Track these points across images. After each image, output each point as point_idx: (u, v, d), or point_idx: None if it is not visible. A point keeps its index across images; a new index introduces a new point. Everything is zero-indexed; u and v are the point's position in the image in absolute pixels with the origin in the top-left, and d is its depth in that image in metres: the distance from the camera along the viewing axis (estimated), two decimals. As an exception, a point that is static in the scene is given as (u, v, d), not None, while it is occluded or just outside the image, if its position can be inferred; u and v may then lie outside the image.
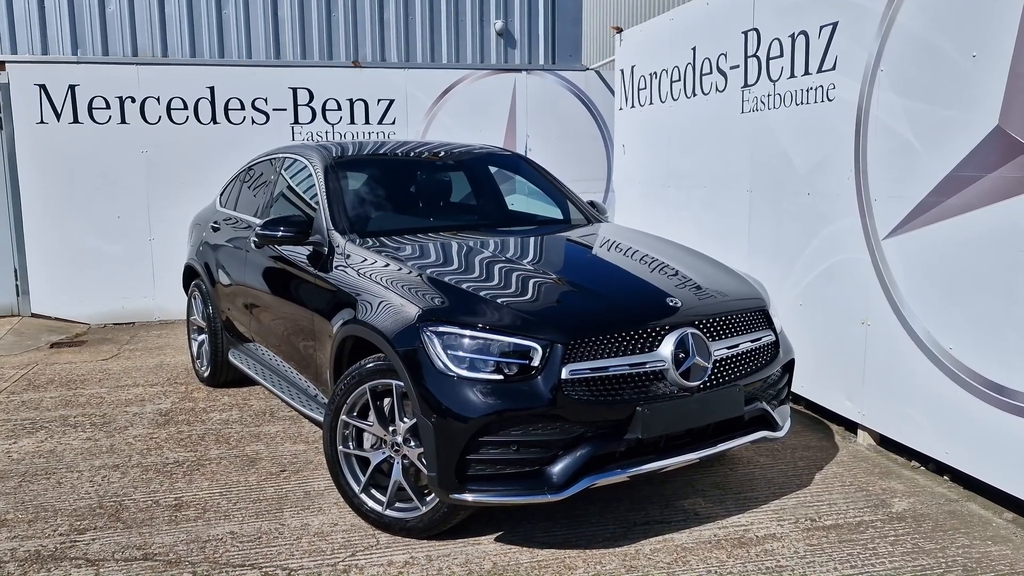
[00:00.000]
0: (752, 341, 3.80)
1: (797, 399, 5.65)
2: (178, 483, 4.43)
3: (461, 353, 3.33)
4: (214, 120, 8.78)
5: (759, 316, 3.92)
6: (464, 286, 3.64)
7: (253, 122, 8.86)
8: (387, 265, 4.00)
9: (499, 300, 3.52)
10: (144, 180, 8.73)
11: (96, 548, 3.67)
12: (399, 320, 3.54)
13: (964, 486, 4.26)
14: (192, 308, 6.49)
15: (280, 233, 4.46)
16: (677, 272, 4.04)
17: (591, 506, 4.01)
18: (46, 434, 5.29)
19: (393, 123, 9.18)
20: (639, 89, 7.72)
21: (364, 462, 3.83)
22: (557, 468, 3.32)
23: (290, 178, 5.25)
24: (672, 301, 3.63)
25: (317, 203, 4.73)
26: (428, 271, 3.84)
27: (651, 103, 7.47)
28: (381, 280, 3.86)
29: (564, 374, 3.29)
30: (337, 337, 4.00)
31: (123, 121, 8.62)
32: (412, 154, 5.40)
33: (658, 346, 3.47)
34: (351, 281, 4.02)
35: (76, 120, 8.52)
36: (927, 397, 4.34)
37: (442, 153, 5.48)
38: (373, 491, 3.80)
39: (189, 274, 6.53)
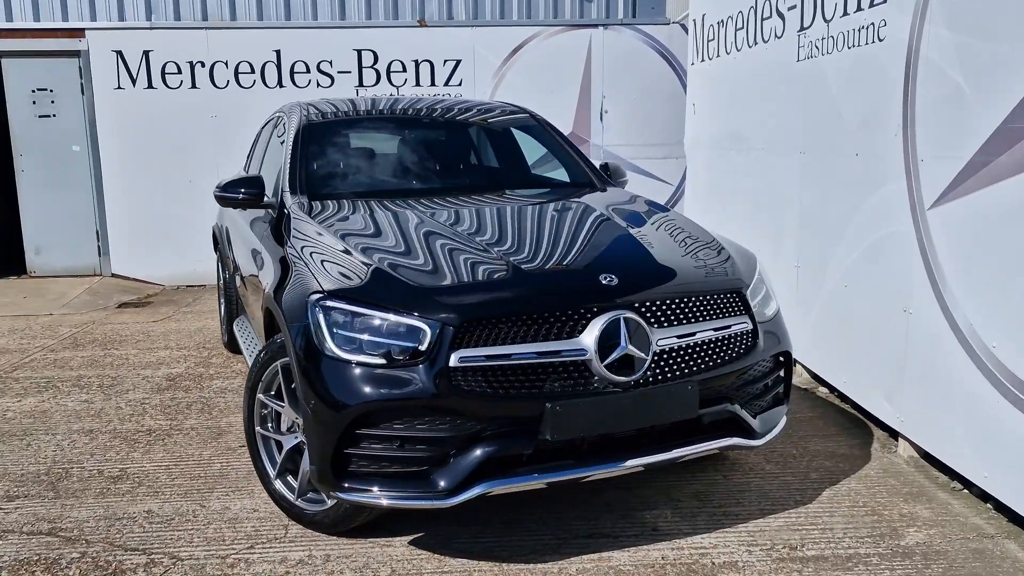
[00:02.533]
0: (716, 330, 3.15)
1: (844, 397, 4.84)
2: (134, 453, 4.29)
3: (350, 333, 2.91)
4: (280, 84, 8.70)
5: (729, 300, 3.25)
6: (379, 259, 3.20)
7: (318, 85, 8.71)
8: (318, 233, 3.61)
9: (407, 276, 3.06)
10: (213, 144, 8.79)
11: (12, 519, 3.55)
12: (297, 293, 3.15)
13: (1008, 518, 3.42)
14: (217, 273, 6.41)
15: (241, 195, 4.18)
16: (637, 246, 3.42)
17: (536, 510, 3.50)
18: (52, 394, 5.33)
19: (460, 84, 8.78)
20: (708, 40, 6.91)
21: (281, 445, 3.49)
22: (445, 471, 2.84)
23: (278, 138, 4.97)
24: (607, 279, 3.03)
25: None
26: (353, 241, 3.42)
27: (718, 55, 6.67)
28: (303, 249, 3.49)
29: (453, 361, 2.80)
30: (263, 309, 3.67)
31: (193, 86, 8.70)
32: (403, 112, 4.98)
33: (580, 332, 2.90)
34: (287, 248, 3.67)
35: (150, 85, 8.67)
36: (967, 406, 3.50)
37: (437, 112, 5.02)
38: (289, 478, 3.46)
39: (214, 238, 6.45)
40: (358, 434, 2.87)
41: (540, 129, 5.11)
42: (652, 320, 3.02)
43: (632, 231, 3.59)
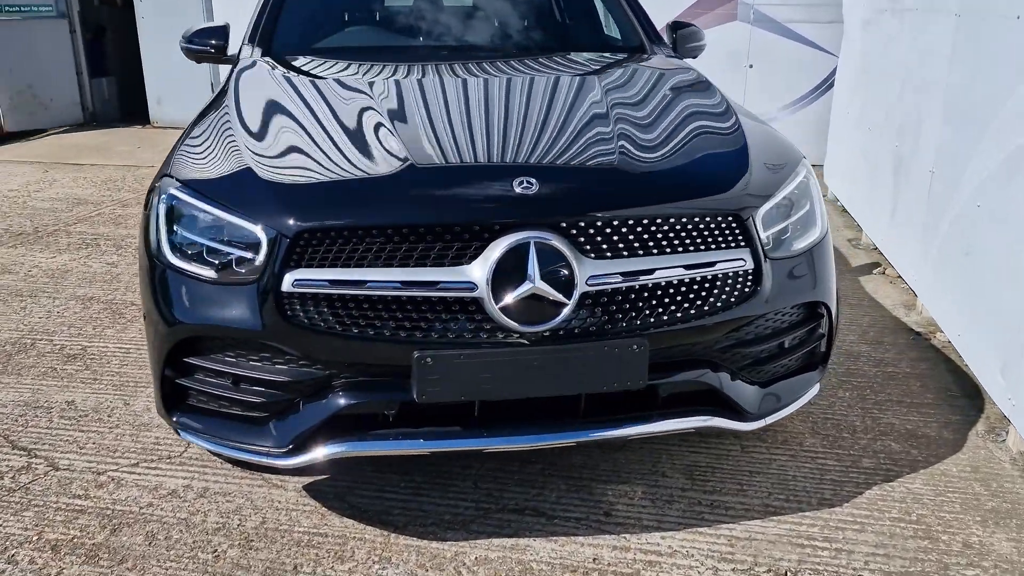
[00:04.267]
0: (689, 267, 2.19)
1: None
2: (109, 330, 3.97)
3: (189, 235, 2.26)
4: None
5: (720, 225, 2.25)
6: (266, 144, 2.46)
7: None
8: (240, 99, 2.92)
9: (275, 168, 2.31)
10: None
11: (-58, 392, 3.33)
12: (160, 173, 2.51)
13: None
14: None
15: (196, 46, 3.55)
16: (600, 141, 2.42)
17: (471, 468, 2.79)
18: (87, 252, 5.17)
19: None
20: None
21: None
22: (285, 423, 2.19)
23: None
24: (524, 185, 2.14)
25: (269, 12, 3.70)
26: (253, 113, 2.69)
27: None
28: (214, 117, 2.82)
29: (286, 284, 2.08)
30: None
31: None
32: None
33: (471, 259, 2.07)
34: (202, 117, 3.02)
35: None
36: (1096, 407, 2.34)
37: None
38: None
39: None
40: (190, 364, 2.26)
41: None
42: (586, 248, 2.12)
43: (612, 118, 2.58)
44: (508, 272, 2.05)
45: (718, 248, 2.23)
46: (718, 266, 2.21)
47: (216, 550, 2.42)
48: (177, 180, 2.34)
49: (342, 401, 2.15)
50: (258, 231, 2.12)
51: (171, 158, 2.51)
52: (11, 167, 7.61)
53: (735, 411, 2.34)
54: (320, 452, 2.17)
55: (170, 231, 2.27)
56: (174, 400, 2.32)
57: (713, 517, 2.56)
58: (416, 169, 2.22)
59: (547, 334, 2.11)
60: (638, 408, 2.27)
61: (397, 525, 2.52)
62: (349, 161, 2.30)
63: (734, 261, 2.23)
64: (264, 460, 2.22)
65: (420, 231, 2.07)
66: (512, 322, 2.07)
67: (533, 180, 2.14)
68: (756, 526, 2.52)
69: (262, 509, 2.59)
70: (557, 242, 2.07)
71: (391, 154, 2.31)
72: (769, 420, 2.40)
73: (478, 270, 2.05)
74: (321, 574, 2.32)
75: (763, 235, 2.29)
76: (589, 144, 2.39)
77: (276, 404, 2.21)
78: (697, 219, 2.20)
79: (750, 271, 2.27)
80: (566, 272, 2.07)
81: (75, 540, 2.46)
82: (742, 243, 2.26)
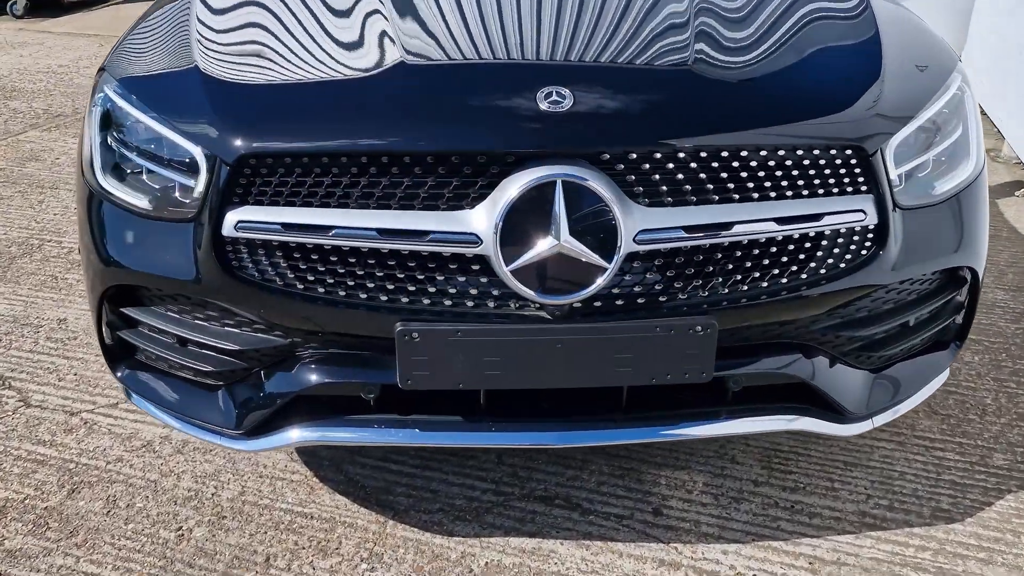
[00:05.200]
0: (784, 220, 1.56)
1: None
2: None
3: (122, 149, 1.74)
4: None
5: (831, 159, 1.59)
6: (210, 30, 1.88)
7: None
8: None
9: (228, 62, 1.75)
10: None
11: (-67, 300, 3.02)
12: (101, 65, 1.98)
13: None
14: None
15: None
16: (673, 44, 1.73)
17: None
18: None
19: None
20: None
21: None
22: (237, 400, 1.72)
23: None
24: (552, 98, 1.53)
25: None
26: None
27: None
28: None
29: (227, 226, 1.55)
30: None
31: None
32: None
33: (474, 201, 1.50)
34: None
35: None
36: None
37: None
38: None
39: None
40: (129, 316, 1.79)
41: None
42: (637, 191, 1.51)
43: (688, 5, 1.86)
44: (525, 222, 1.48)
45: (827, 194, 1.58)
46: (826, 220, 1.57)
47: (181, 527, 2.03)
48: (115, 78, 1.81)
49: (309, 378, 1.67)
50: (196, 152, 1.59)
51: (117, 45, 1.98)
52: (67, 40, 7.24)
53: (831, 411, 1.75)
54: (285, 437, 1.71)
55: (104, 144, 1.76)
56: (120, 352, 1.87)
57: (792, 527, 2.02)
58: (407, 69, 1.62)
59: (577, 307, 1.54)
60: (699, 401, 1.70)
61: (397, 509, 2.07)
62: (321, 57, 1.71)
63: (849, 213, 1.59)
64: (218, 441, 1.76)
65: (405, 160, 1.50)
66: (528, 290, 1.50)
67: (565, 92, 1.52)
68: (848, 544, 1.97)
69: (243, 475, 2.18)
70: (596, 182, 1.47)
71: (378, 47, 1.71)
72: (879, 421, 1.80)
73: (483, 218, 1.48)
74: (297, 570, 1.90)
75: (893, 175, 1.62)
76: (649, 41, 1.72)
77: (232, 374, 1.74)
78: (800, 152, 1.55)
79: (871, 227, 1.62)
80: (607, 224, 1.48)
81: (27, 501, 2.11)
82: (862, 187, 1.60)
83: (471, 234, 1.49)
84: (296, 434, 1.70)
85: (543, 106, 1.50)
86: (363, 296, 1.56)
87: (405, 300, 1.56)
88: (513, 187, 1.46)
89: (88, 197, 1.76)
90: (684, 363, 1.58)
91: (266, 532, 2.01)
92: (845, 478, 2.17)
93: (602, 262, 1.49)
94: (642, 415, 1.69)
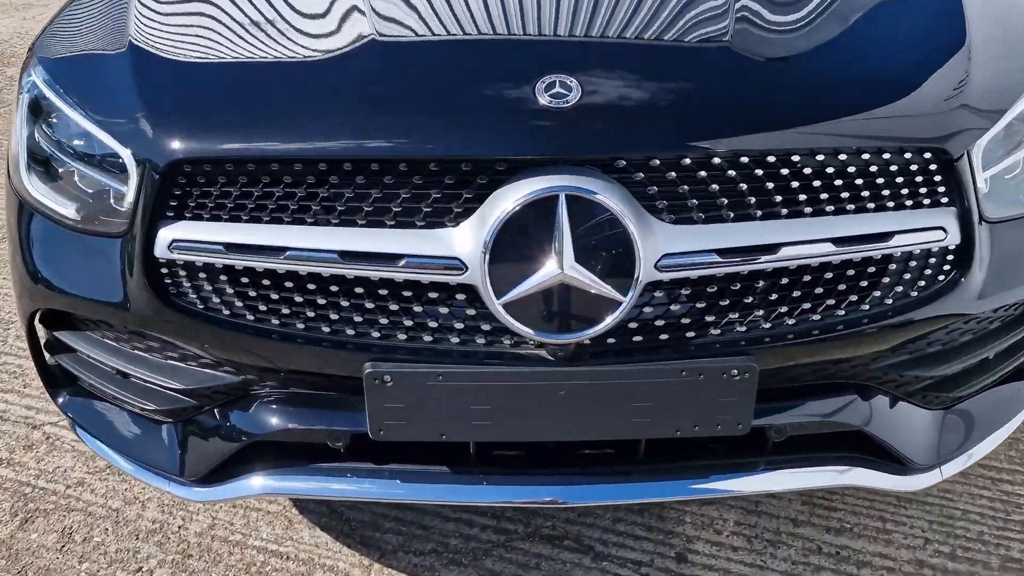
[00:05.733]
0: (844, 241, 1.25)
1: None
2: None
3: (49, 146, 1.47)
4: None
5: (905, 165, 1.27)
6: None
7: None
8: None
9: (169, 43, 1.45)
10: None
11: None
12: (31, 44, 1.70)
13: None
14: None
15: None
16: (712, 23, 1.40)
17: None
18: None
19: None
20: None
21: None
22: (183, 439, 1.46)
23: None
24: (554, 89, 1.22)
25: None
26: None
27: None
28: None
29: (160, 245, 1.28)
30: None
31: None
32: None
33: (457, 218, 1.22)
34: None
35: None
36: None
37: None
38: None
39: None
40: (61, 342, 1.54)
41: None
42: (659, 207, 1.22)
43: None
44: (520, 244, 1.19)
45: (899, 207, 1.27)
46: (896, 240, 1.26)
47: (141, 568, 1.80)
48: (43, 60, 1.53)
49: (268, 422, 1.41)
50: (125, 155, 1.31)
51: (52, 20, 1.70)
52: (72, 1, 6.98)
53: (891, 461, 1.46)
54: (244, 487, 1.45)
55: (31, 139, 1.49)
56: (61, 377, 1.63)
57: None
58: (378, 51, 1.32)
59: (585, 345, 1.25)
60: (732, 450, 1.42)
61: (384, 549, 1.83)
62: (277, 38, 1.41)
63: (926, 231, 1.28)
64: (165, 487, 1.51)
65: (373, 168, 1.21)
66: (524, 327, 1.22)
67: (571, 81, 1.22)
68: (901, 602, 1.69)
69: (214, 505, 1.94)
70: (609, 195, 1.17)
71: (345, 25, 1.40)
72: (949, 471, 1.50)
73: (469, 239, 1.20)
74: (266, 625, 1.67)
75: (980, 182, 1.31)
76: (677, 17, 1.39)
77: (181, 412, 1.48)
78: (866, 156, 1.24)
79: (953, 247, 1.31)
80: (622, 247, 1.19)
81: (-26, 533, 1.89)
82: (943, 199, 1.29)
83: (453, 259, 1.21)
84: (259, 483, 1.44)
85: (544, 100, 1.21)
86: (325, 330, 1.29)
87: (376, 335, 1.29)
88: (505, 202, 1.17)
89: (14, 204, 1.50)
90: (716, 413, 1.30)
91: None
92: (898, 517, 1.88)
93: (615, 294, 1.20)
94: (661, 466, 1.41)
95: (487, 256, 1.18)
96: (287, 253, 1.23)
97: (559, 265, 1.18)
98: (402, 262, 1.22)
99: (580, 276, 1.19)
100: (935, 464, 1.50)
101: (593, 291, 1.20)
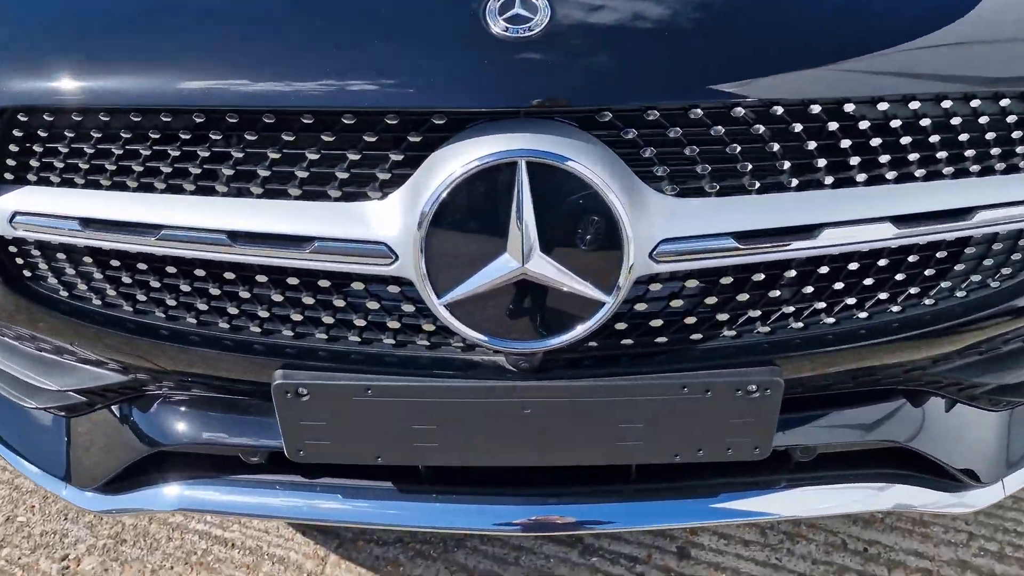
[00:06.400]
0: (905, 220, 0.92)
1: None
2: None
3: None
4: None
5: (995, 122, 0.93)
6: None
7: None
8: None
9: None
10: None
11: None
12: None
13: None
14: None
15: None
16: None
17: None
18: None
19: None
20: None
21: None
22: (73, 439, 1.21)
23: None
24: (514, 10, 0.87)
25: None
26: None
27: None
28: None
29: (2, 222, 0.97)
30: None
31: None
32: None
33: (385, 188, 0.90)
34: None
35: None
36: None
37: None
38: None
39: None
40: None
41: None
42: (660, 172, 0.89)
43: None
44: (467, 224, 0.88)
45: (984, 172, 0.93)
46: (980, 218, 0.93)
47: (68, 556, 1.60)
48: None
49: (172, 429, 1.13)
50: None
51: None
52: None
53: (943, 472, 1.17)
54: (155, 498, 1.20)
55: None
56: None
57: (865, 584, 1.49)
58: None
59: (559, 352, 0.95)
60: (740, 466, 1.13)
61: (343, 538, 1.60)
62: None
63: (1018, 206, 0.94)
64: (63, 494, 1.26)
65: (268, 120, 0.89)
66: (475, 332, 0.92)
67: (536, 0, 0.87)
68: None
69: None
70: (588, 160, 0.85)
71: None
72: (1013, 486, 1.21)
73: (397, 217, 0.89)
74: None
75: None
76: None
77: (71, 408, 1.21)
78: (947, 104, 0.90)
79: (1040, 230, 0.98)
80: (605, 229, 0.87)
81: None
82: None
83: (378, 243, 0.90)
84: (174, 494, 1.18)
85: (496, 26, 0.86)
86: (223, 326, 1.00)
87: (287, 334, 0.99)
88: (445, 169, 0.86)
89: None
90: (726, 435, 1.01)
91: (172, 567, 1.55)
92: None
93: (596, 293, 0.89)
94: (656, 485, 1.13)
95: (422, 241, 0.87)
96: (162, 232, 0.93)
97: (520, 256, 0.87)
98: (310, 247, 0.91)
99: (547, 271, 0.88)
100: (997, 477, 1.21)
101: (565, 289, 0.89)
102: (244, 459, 1.12)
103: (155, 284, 0.99)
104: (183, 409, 1.14)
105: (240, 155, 0.91)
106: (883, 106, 0.89)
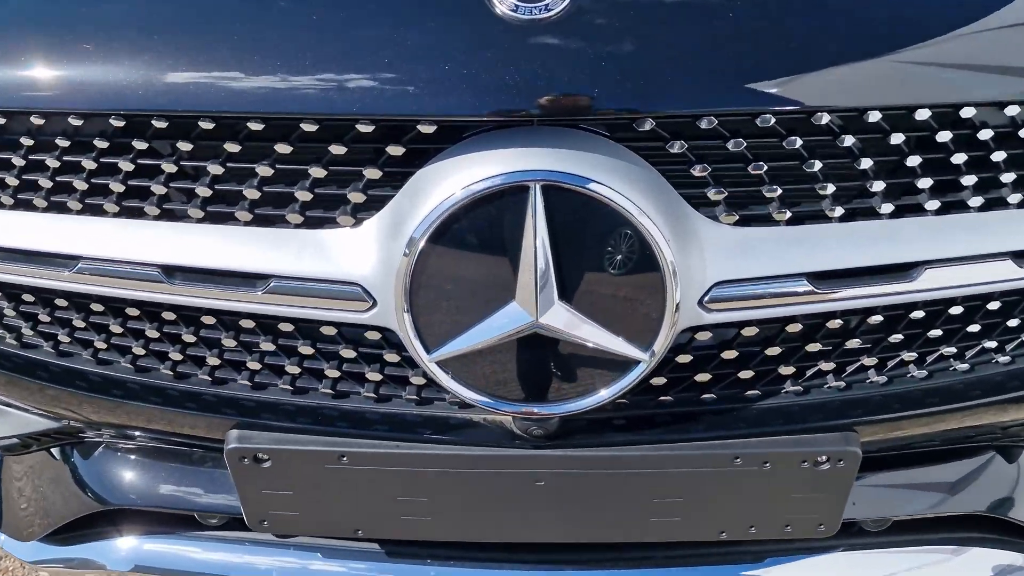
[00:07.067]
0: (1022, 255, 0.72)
1: None
2: None
3: None
4: None
5: None
6: None
7: None
8: None
9: None
10: None
11: None
12: None
13: None
14: None
15: None
16: None
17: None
18: None
19: None
20: None
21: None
22: (23, 495, 1.03)
23: None
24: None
25: None
26: None
27: None
28: None
29: None
30: None
31: None
32: None
33: (357, 213, 0.70)
34: None
35: None
36: None
37: None
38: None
39: None
40: None
41: None
42: (715, 194, 0.68)
43: None
44: (464, 262, 0.68)
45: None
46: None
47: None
48: None
49: (115, 484, 0.95)
50: None
51: None
52: None
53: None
54: (104, 553, 1.02)
55: None
56: None
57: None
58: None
59: (581, 419, 0.76)
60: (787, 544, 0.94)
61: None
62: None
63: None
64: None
65: (207, 126, 0.68)
66: (475, 393, 0.73)
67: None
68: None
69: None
70: (619, 183, 0.64)
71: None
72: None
73: (374, 251, 0.69)
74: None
75: None
76: None
77: (4, 448, 1.03)
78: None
79: None
80: (640, 268, 0.67)
81: None
82: None
83: (349, 284, 0.70)
84: (127, 547, 1.00)
85: (501, 5, 0.65)
86: (165, 373, 0.81)
87: (244, 383, 0.80)
88: (435, 190, 0.65)
89: None
90: (787, 512, 0.81)
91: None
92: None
93: (630, 350, 0.70)
94: (695, 553, 0.94)
95: (407, 282, 0.67)
96: (79, 265, 0.73)
97: (532, 307, 0.67)
98: (264, 287, 0.71)
99: (566, 324, 0.68)
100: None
101: (590, 345, 0.69)
102: (201, 521, 0.93)
103: (78, 322, 0.80)
104: (131, 458, 0.96)
105: (173, 169, 0.70)
106: (1013, 110, 0.67)
